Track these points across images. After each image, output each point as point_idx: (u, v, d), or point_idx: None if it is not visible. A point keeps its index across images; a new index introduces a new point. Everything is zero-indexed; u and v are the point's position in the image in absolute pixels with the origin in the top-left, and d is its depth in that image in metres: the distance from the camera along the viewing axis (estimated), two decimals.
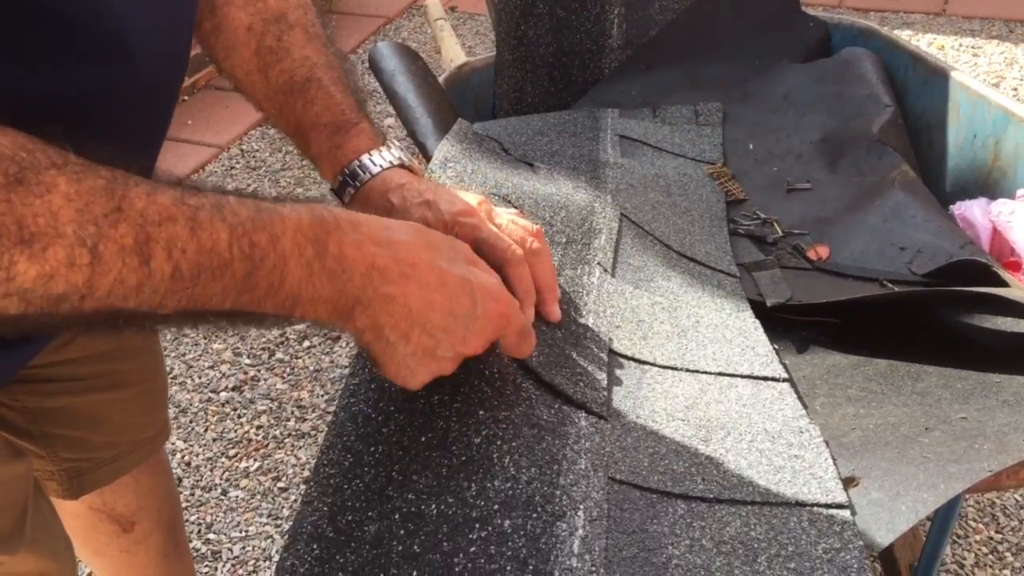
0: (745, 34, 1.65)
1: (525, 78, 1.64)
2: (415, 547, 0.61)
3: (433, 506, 0.64)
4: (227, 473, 1.81)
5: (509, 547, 0.60)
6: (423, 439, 0.69)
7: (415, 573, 0.60)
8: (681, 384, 0.84)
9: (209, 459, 1.84)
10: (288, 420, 1.91)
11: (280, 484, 1.78)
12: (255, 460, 1.83)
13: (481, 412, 0.70)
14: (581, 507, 0.64)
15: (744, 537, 0.64)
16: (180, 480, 1.79)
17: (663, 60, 1.65)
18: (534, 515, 0.62)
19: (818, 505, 0.67)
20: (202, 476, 1.80)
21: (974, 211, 1.19)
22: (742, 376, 0.87)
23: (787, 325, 1.09)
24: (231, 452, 1.85)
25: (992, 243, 1.17)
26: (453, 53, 1.84)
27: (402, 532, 0.63)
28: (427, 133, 1.14)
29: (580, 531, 0.62)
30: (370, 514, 0.64)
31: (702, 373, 0.87)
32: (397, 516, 0.64)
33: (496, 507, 0.63)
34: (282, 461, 1.82)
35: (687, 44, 1.65)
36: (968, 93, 1.31)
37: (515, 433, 0.69)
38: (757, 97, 1.56)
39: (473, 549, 0.60)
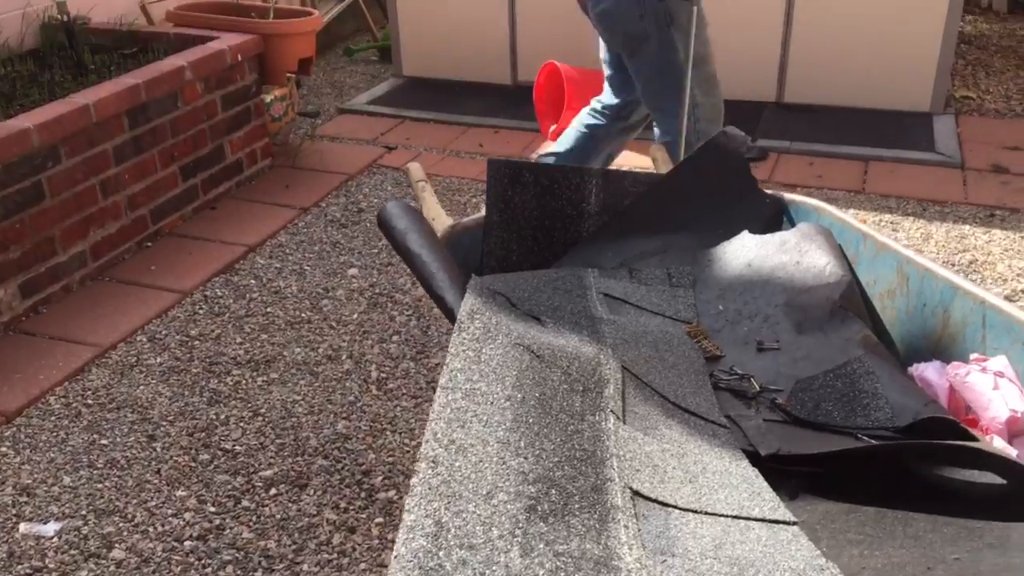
0: (709, 206, 1.82)
1: (511, 238, 1.77)
2: None
3: None
4: None
5: None
6: None
7: None
8: (704, 526, 0.91)
9: None
10: (255, 571, 1.87)
11: None
12: None
13: (543, 545, 0.75)
14: None
15: None
16: None
17: (637, 226, 1.80)
18: None
19: None
20: None
21: (930, 373, 1.33)
22: (756, 519, 0.94)
23: (774, 473, 1.18)
24: None
25: (949, 402, 1.30)
26: (435, 212, 1.97)
27: None
28: (444, 287, 1.24)
29: None
30: None
31: (720, 516, 0.94)
32: None
33: None
34: None
35: (658, 213, 1.82)
36: (915, 267, 1.48)
37: (576, 567, 0.74)
38: (723, 263, 1.71)
39: None
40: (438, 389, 0.97)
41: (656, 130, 2.86)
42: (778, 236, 1.70)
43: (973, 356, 1.30)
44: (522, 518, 0.79)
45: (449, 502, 0.81)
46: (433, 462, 0.87)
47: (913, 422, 1.19)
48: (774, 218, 1.80)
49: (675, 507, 0.94)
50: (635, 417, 1.13)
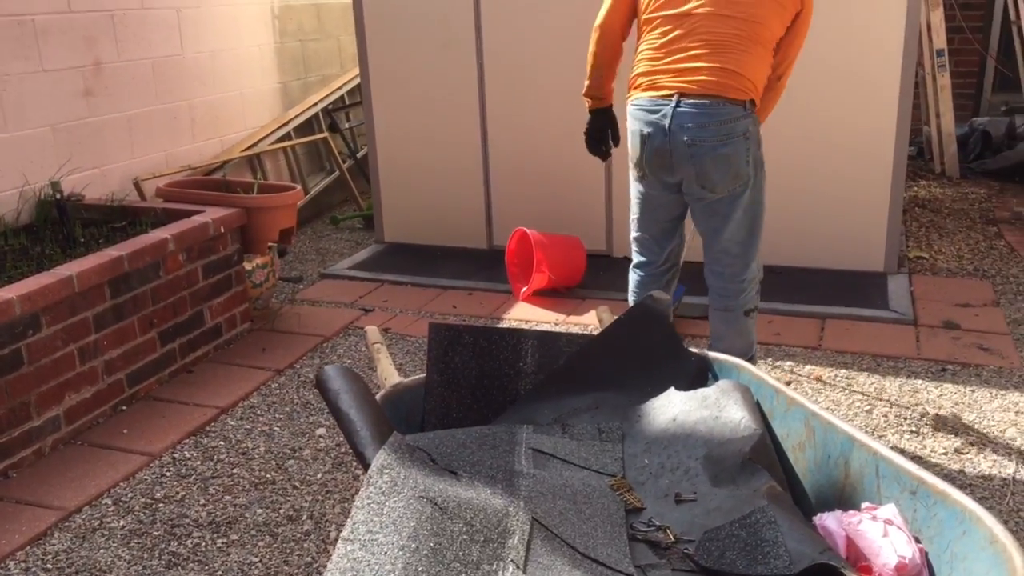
0: (639, 365, 1.93)
1: (451, 396, 1.87)
2: None
3: None
4: None
5: None
6: None
7: None
8: None
9: None
10: None
11: None
12: None
13: None
14: None
15: None
16: None
17: (570, 384, 1.91)
18: None
19: None
20: None
21: (830, 522, 1.40)
22: None
23: None
24: None
25: (848, 549, 1.36)
26: (388, 372, 2.08)
27: None
28: (366, 444, 1.33)
29: None
30: None
31: None
32: None
33: None
34: None
35: (590, 371, 1.93)
36: (820, 421, 1.57)
37: None
38: (650, 418, 1.80)
39: None
40: (339, 541, 1.05)
41: (723, 274, 2.88)
42: (701, 392, 1.80)
43: (864, 505, 1.37)
44: None
45: None
46: None
47: (806, 568, 1.26)
48: (699, 375, 1.91)
49: None
50: (538, 567, 1.20)
